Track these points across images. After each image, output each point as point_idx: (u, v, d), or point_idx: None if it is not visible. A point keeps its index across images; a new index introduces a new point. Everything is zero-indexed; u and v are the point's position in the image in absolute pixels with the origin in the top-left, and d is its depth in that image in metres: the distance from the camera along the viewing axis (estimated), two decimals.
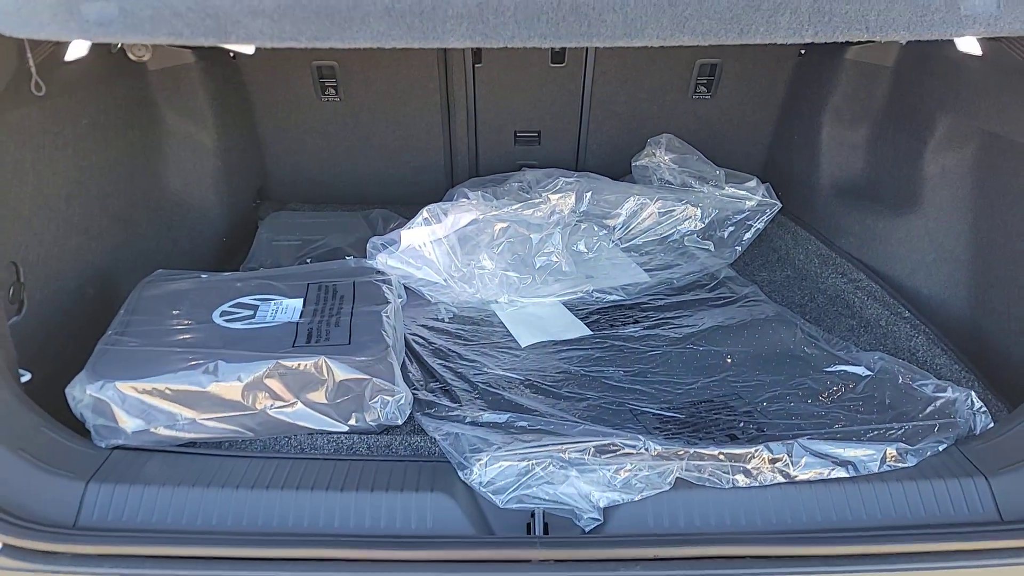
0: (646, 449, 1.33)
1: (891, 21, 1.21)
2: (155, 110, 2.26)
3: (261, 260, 2.18)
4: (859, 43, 2.30)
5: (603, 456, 1.35)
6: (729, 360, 1.79)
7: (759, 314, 1.97)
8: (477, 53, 2.62)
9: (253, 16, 1.19)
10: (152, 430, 1.44)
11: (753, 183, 2.40)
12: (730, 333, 1.88)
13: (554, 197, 2.07)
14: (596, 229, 2.33)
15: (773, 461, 1.34)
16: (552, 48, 2.61)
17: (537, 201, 2.05)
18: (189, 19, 1.20)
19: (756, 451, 1.34)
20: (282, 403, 1.48)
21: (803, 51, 2.56)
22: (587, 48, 2.60)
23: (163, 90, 2.28)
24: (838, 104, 2.39)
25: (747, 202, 2.36)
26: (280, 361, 1.46)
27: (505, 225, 1.99)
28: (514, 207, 1.99)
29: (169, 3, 1.20)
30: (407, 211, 2.86)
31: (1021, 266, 1.70)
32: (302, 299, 1.78)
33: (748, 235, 2.33)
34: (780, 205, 2.31)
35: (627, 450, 1.34)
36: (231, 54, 2.59)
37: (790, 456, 1.34)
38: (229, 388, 1.44)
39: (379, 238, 2.02)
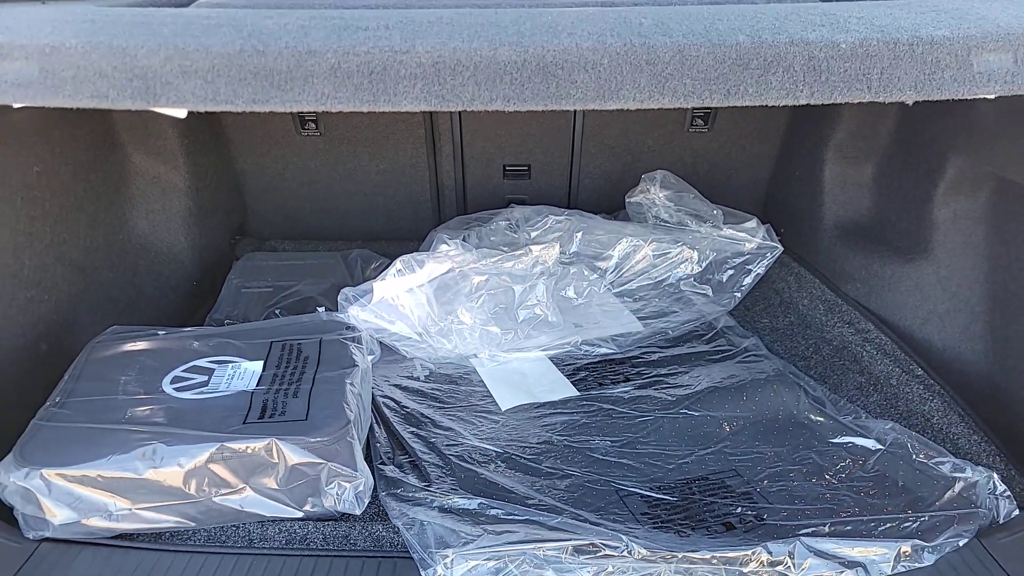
0: (629, 551, 1.19)
1: (896, 80, 1.07)
2: (120, 151, 2.13)
3: (228, 309, 2.05)
4: None
5: (582, 556, 1.21)
6: (727, 428, 1.64)
7: (759, 372, 1.82)
8: None
9: (185, 77, 1.06)
10: (84, 521, 1.30)
11: (753, 223, 2.26)
12: (728, 395, 1.73)
13: (536, 248, 1.93)
14: (586, 273, 2.19)
15: (773, 564, 1.19)
16: None
17: (518, 253, 1.91)
18: (115, 80, 1.08)
19: (753, 553, 1.19)
20: (229, 489, 1.34)
21: None
22: None
23: (130, 130, 2.16)
24: (842, 140, 2.24)
25: (746, 244, 2.22)
26: (226, 444, 1.32)
27: (485, 278, 1.85)
28: (493, 260, 1.85)
29: (93, 62, 1.08)
30: (393, 246, 2.73)
31: None
32: (262, 361, 1.64)
33: (748, 280, 2.18)
34: (781, 249, 2.16)
35: (608, 551, 1.20)
36: None
37: (792, 558, 1.20)
38: (169, 474, 1.31)
39: (351, 289, 1.88)
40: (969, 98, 1.10)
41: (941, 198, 1.88)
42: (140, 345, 1.70)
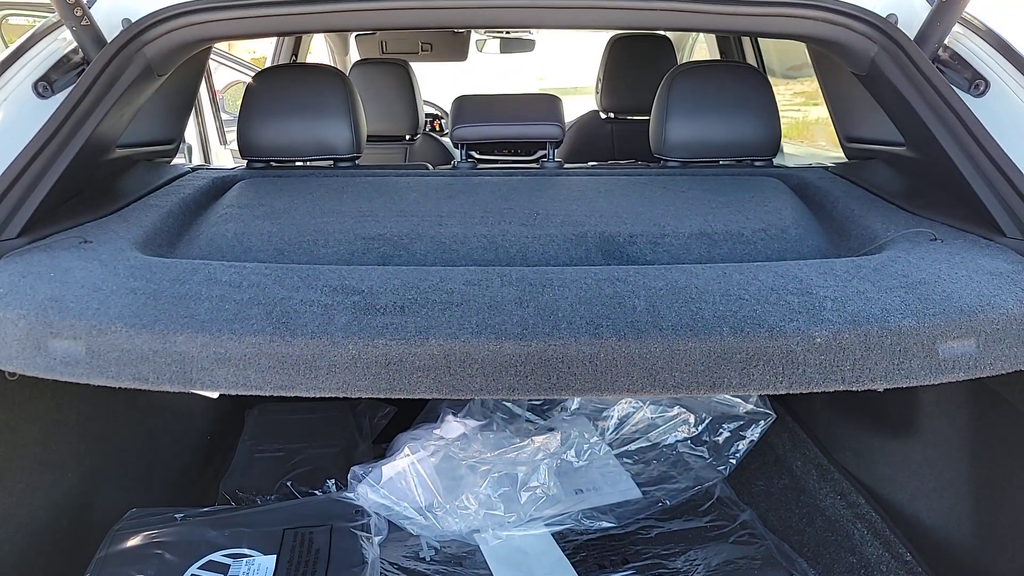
0: None
1: (867, 371, 1.17)
2: None
3: (240, 480, 2.13)
4: None
5: None
6: None
7: (753, 558, 1.88)
8: None
9: (219, 364, 1.17)
10: None
11: None
12: None
13: (539, 439, 2.03)
14: (587, 435, 2.27)
15: None
16: None
17: (522, 444, 2.01)
18: (155, 364, 1.18)
19: None
20: None
21: None
22: None
23: None
24: None
25: (740, 408, 2.30)
26: None
27: (489, 467, 1.93)
28: (496, 453, 1.95)
29: (136, 346, 1.18)
30: None
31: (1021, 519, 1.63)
32: (275, 556, 1.71)
33: (743, 446, 2.26)
34: (774, 416, 2.25)
35: None
36: None
37: None
38: None
39: (361, 468, 1.96)
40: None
41: None
42: (157, 536, 1.76)
